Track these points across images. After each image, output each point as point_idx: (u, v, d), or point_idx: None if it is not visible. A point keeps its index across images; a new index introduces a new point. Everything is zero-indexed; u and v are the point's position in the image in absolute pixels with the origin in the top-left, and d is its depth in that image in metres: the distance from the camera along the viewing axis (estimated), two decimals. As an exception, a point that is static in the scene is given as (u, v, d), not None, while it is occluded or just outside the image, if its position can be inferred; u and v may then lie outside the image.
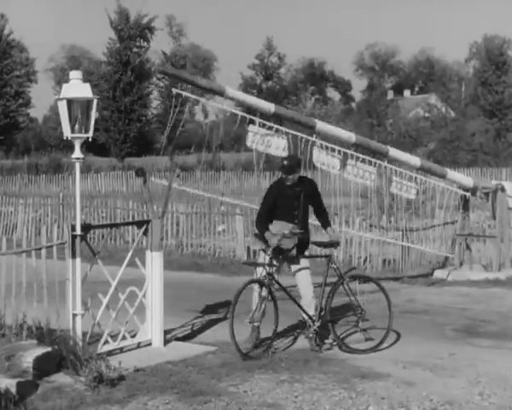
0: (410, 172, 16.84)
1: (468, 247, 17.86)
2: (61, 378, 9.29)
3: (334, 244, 11.36)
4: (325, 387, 9.12)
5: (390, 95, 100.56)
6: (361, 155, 16.08)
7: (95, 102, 10.09)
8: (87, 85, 10.10)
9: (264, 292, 10.65)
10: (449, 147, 60.98)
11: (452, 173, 18.00)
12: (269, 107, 15.09)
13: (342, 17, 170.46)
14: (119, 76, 75.90)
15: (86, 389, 8.93)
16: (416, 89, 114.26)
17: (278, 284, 10.94)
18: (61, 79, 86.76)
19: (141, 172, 11.43)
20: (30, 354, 9.19)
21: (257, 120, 14.84)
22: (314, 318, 10.99)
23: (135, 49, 79.03)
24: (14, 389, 8.45)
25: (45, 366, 9.27)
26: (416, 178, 17.01)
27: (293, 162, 11.09)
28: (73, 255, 10.05)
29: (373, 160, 16.26)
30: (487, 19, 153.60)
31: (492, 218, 17.74)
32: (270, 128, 14.98)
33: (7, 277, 10.65)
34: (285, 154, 14.51)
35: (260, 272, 10.90)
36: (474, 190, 17.66)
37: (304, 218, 11.19)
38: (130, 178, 50.66)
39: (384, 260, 18.85)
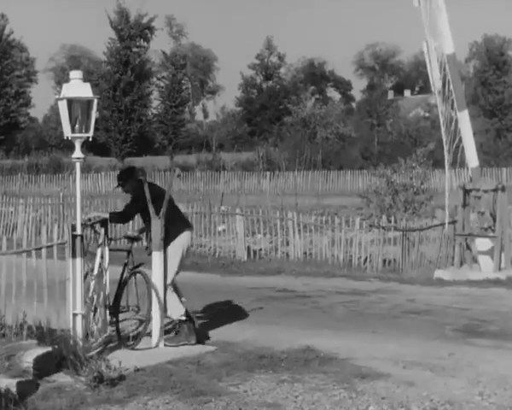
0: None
1: (468, 247, 17.85)
2: (62, 378, 9.29)
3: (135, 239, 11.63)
4: (325, 387, 9.12)
5: (390, 95, 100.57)
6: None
7: (95, 101, 10.09)
8: (87, 85, 10.10)
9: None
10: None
11: (466, 122, 17.81)
12: None
13: (342, 17, 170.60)
14: (120, 76, 75.90)
15: (86, 389, 8.92)
16: (417, 89, 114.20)
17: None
18: (62, 78, 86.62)
19: (141, 173, 11.43)
20: (30, 354, 9.18)
21: None
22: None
23: (135, 49, 79.03)
24: (14, 389, 8.45)
25: (45, 366, 9.26)
26: None
27: (121, 176, 11.55)
28: (74, 255, 10.05)
29: None
30: (487, 19, 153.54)
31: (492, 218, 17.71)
32: None
33: (7, 276, 10.66)
34: None
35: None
36: (475, 173, 17.69)
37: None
38: (130, 177, 50.55)
39: (384, 260, 18.84)
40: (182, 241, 11.22)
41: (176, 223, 11.19)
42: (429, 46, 17.51)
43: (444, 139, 17.64)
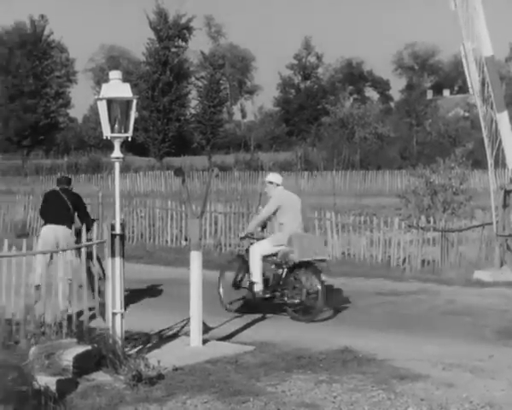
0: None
1: (508, 248, 17.68)
2: (101, 377, 9.34)
3: None
4: (364, 388, 9.08)
5: (429, 94, 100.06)
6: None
7: (134, 101, 10.12)
8: (126, 85, 10.13)
9: None
10: (489, 147, 60.47)
11: (506, 123, 17.58)
12: None
13: (381, 16, 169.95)
14: (158, 76, 76.16)
15: (125, 388, 8.96)
16: (456, 88, 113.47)
17: None
18: (101, 79, 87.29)
19: (179, 172, 11.47)
20: (70, 353, 9.25)
21: None
22: None
23: (173, 49, 79.23)
24: (53, 387, 8.51)
25: (85, 365, 9.32)
26: None
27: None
28: (113, 254, 10.10)
29: None
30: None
31: None
32: None
33: (46, 276, 10.74)
34: None
35: None
36: None
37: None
38: (168, 177, 50.83)
39: (423, 261, 18.72)
40: (42, 236, 13.14)
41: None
42: (466, 50, 17.40)
43: (485, 143, 17.52)
